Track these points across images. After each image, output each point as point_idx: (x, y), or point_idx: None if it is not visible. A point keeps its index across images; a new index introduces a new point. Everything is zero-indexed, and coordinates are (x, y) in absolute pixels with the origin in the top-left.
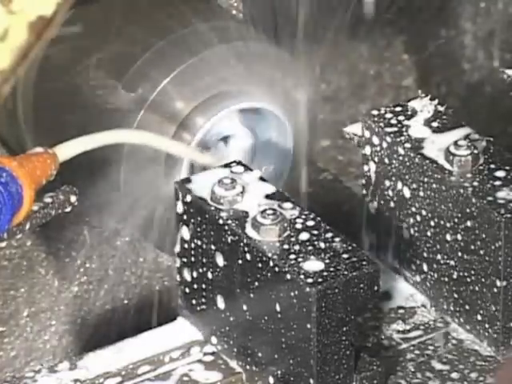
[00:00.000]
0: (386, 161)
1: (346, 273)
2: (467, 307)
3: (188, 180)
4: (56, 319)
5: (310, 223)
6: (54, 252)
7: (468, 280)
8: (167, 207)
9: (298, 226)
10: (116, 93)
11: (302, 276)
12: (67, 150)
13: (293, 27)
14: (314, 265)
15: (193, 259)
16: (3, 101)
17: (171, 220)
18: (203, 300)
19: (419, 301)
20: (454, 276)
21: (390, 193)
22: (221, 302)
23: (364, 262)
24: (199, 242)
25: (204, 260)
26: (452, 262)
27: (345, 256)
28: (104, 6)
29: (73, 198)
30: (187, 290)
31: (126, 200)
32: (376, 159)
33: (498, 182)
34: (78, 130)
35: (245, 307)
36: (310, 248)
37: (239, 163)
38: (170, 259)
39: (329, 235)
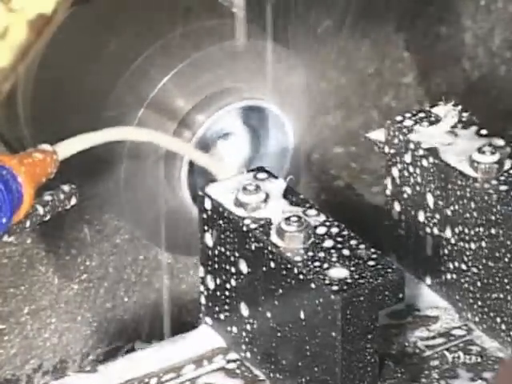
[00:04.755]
0: (410, 168)
1: (371, 280)
2: (491, 314)
3: (212, 186)
4: (56, 317)
5: (335, 230)
6: (54, 250)
7: (492, 287)
8: (167, 205)
9: (323, 233)
10: (116, 90)
11: (326, 283)
12: (67, 148)
13: (293, 25)
14: (338, 272)
15: (216, 266)
16: (3, 99)
17: (171, 218)
18: (227, 307)
19: (443, 308)
20: (479, 284)
21: (414, 199)
22: (244, 309)
23: (389, 270)
24: (223, 249)
25: (227, 267)
26: (476, 270)
27: (370, 263)
28: (104, 4)
29: (73, 196)
30: (210, 297)
31: (126, 198)
32: (399, 166)
33: None
34: (78, 128)
35: (269, 314)
36: (335, 255)
37: (263, 170)
38: (170, 257)
39: (353, 242)
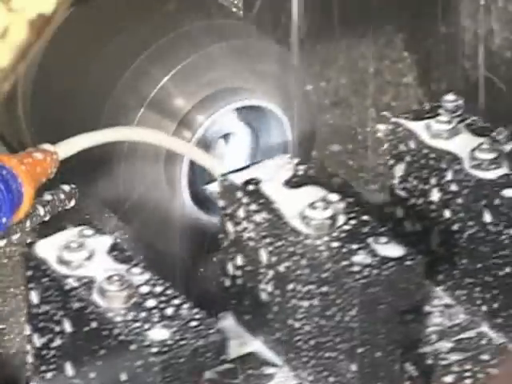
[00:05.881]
0: (244, 222)
1: (191, 342)
2: (325, 373)
3: (34, 244)
4: None
5: (158, 289)
6: None
7: (325, 346)
8: (167, 205)
9: (146, 292)
10: (116, 90)
11: (146, 345)
12: (67, 148)
13: (292, 24)
14: (159, 333)
15: (41, 324)
16: (3, 99)
17: (171, 218)
18: (52, 367)
19: (277, 366)
20: (312, 342)
21: (248, 255)
22: (69, 369)
23: (211, 331)
24: (47, 307)
25: (52, 326)
26: (309, 328)
27: (191, 324)
28: (104, 4)
29: (73, 196)
30: (37, 356)
31: (126, 198)
32: (234, 220)
33: (354, 246)
34: (78, 128)
35: (92, 375)
36: (157, 315)
37: (89, 226)
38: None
39: (176, 302)
